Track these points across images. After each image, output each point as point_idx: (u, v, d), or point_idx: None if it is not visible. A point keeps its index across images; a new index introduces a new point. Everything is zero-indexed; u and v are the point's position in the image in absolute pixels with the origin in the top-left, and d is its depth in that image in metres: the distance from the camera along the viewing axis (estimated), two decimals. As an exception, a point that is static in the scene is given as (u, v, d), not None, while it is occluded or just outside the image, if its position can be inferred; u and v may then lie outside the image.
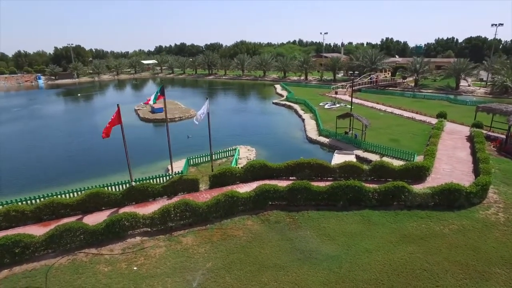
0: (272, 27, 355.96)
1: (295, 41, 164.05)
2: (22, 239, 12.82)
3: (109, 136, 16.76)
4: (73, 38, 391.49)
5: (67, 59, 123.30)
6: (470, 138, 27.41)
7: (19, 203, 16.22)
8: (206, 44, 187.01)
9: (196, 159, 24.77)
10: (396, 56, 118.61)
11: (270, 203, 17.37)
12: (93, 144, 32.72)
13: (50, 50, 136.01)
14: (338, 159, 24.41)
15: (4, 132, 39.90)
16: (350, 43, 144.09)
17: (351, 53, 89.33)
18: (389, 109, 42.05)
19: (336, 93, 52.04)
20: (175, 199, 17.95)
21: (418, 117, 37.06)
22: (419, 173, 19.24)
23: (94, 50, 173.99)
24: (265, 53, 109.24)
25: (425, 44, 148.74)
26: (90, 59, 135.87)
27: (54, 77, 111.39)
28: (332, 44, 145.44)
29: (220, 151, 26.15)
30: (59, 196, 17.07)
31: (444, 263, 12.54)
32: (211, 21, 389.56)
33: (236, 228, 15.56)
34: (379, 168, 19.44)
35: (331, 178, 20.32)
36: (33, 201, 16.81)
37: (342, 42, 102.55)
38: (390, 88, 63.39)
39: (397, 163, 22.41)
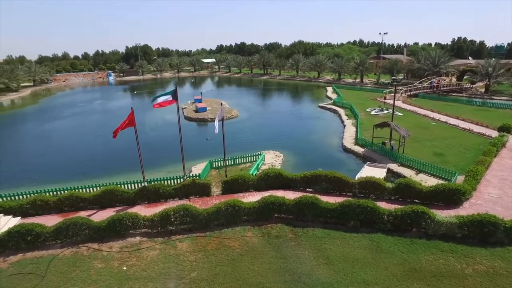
0: (331, 26, 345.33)
1: (355, 41, 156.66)
2: (34, 228, 14.14)
3: (115, 137, 17.43)
4: (143, 38, 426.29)
5: (135, 57, 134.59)
6: (536, 159, 23.15)
7: (45, 194, 17.96)
8: (265, 44, 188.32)
9: (219, 162, 24.90)
10: (470, 58, 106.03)
11: (277, 215, 16.66)
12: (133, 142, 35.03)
13: (123, 49, 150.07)
14: (366, 172, 22.50)
15: (60, 126, 44.82)
16: (416, 44, 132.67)
17: (414, 55, 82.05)
18: (444, 118, 37.56)
19: (385, 98, 48.28)
20: (184, 201, 18.26)
21: (477, 128, 32.42)
22: (452, 196, 16.71)
23: (160, 49, 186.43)
24: (321, 54, 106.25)
25: (508, 44, 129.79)
26: (155, 57, 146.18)
27: (122, 74, 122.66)
28: (395, 45, 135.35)
29: (245, 155, 25.92)
30: (80, 190, 18.51)
31: (454, 310, 10.66)
32: (271, 20, 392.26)
33: (233, 238, 15.21)
34: (404, 187, 17.36)
35: (350, 194, 18.81)
36: (57, 193, 18.47)
37: (405, 43, 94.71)
38: (454, 94, 56.66)
39: (434, 181, 19.93)
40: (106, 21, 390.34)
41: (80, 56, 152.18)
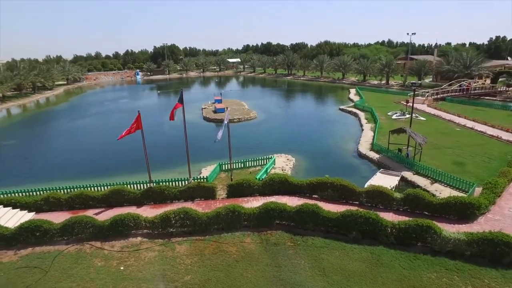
0: (359, 26, 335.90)
1: (383, 41, 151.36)
2: (43, 224, 14.88)
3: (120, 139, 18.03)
4: (173, 37, 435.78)
5: (162, 57, 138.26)
6: None
7: (58, 191, 18.84)
8: (291, 44, 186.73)
9: (229, 164, 24.92)
10: (508, 58, 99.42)
11: (278, 222, 16.46)
12: (154, 141, 35.97)
13: (152, 49, 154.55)
14: (378, 179, 21.72)
15: (82, 124, 46.88)
16: (448, 44, 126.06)
17: (445, 56, 78.11)
18: (470, 124, 35.42)
19: (407, 101, 46.34)
20: (188, 204, 18.52)
21: (507, 136, 30.27)
22: (465, 210, 15.71)
23: (188, 48, 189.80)
24: (346, 55, 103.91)
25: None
26: (181, 57, 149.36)
27: (149, 73, 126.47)
28: (425, 45, 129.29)
29: (255, 158, 25.80)
30: (91, 189, 19.28)
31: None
32: (298, 20, 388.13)
33: (232, 243, 15.20)
34: (413, 198, 16.55)
35: (356, 203, 18.21)
36: (69, 191, 19.32)
37: (435, 43, 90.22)
38: (487, 98, 53.31)
39: (451, 192, 18.88)
40: (137, 21, 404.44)
41: (112, 56, 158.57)
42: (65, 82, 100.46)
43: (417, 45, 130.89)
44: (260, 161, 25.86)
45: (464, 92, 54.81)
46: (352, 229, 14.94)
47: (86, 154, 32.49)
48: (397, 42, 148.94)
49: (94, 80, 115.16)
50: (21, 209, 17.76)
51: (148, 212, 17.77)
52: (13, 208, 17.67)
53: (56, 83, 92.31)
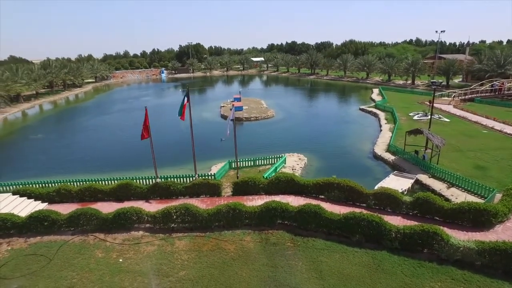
0: (385, 24, 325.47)
1: (411, 40, 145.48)
2: (50, 215, 15.48)
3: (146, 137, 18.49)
4: (199, 37, 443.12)
5: (187, 56, 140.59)
6: None
7: (69, 184, 19.54)
8: (316, 43, 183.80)
9: (240, 162, 24.84)
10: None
11: (280, 222, 16.17)
12: (171, 138, 36.75)
13: (177, 48, 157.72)
14: (390, 182, 20.88)
15: (103, 121, 48.46)
16: (483, 42, 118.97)
17: (477, 54, 73.91)
18: (499, 126, 33.19)
19: (430, 102, 44.20)
20: (193, 200, 18.62)
21: (538, 140, 28.20)
22: (480, 217, 14.68)
23: (213, 47, 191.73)
24: (370, 54, 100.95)
25: None
26: (205, 56, 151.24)
27: (174, 72, 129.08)
28: (457, 44, 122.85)
29: (266, 157, 25.55)
30: (101, 182, 19.87)
31: None
32: (323, 20, 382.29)
33: (231, 241, 15.10)
34: (423, 202, 15.69)
35: (364, 205, 17.55)
36: (81, 183, 19.98)
37: (468, 41, 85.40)
38: (523, 99, 49.84)
39: (468, 198, 17.82)
40: (166, 21, 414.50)
41: (139, 54, 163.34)
42: (94, 80, 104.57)
43: (447, 43, 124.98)
44: (270, 159, 25.58)
45: (496, 93, 51.58)
46: (355, 232, 14.40)
47: (102, 149, 33.66)
48: (426, 41, 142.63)
49: (121, 78, 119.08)
50: (35, 200, 18.60)
51: (153, 206, 18.04)
52: (28, 198, 18.54)
53: (85, 80, 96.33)
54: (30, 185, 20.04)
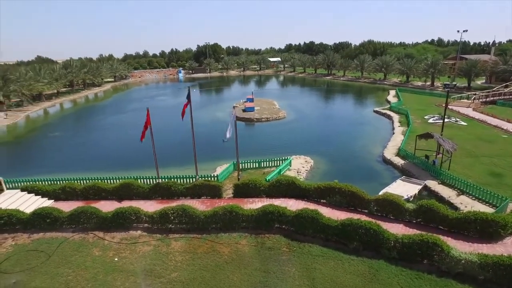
0: (405, 24, 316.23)
1: (433, 40, 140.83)
2: (52, 212, 15.91)
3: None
4: (217, 37, 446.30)
5: (205, 56, 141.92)
6: None
7: (75, 182, 20.03)
8: (334, 43, 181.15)
9: (245, 164, 24.75)
10: None
11: (278, 226, 15.94)
12: (180, 139, 37.04)
13: (195, 48, 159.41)
14: (396, 187, 20.21)
15: (117, 120, 49.29)
16: (510, 41, 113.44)
17: (503, 54, 70.54)
18: (521, 131, 31.61)
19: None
20: (194, 201, 18.65)
21: (562, 147, 26.54)
22: (487, 228, 13.91)
23: (231, 47, 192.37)
24: (389, 54, 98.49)
25: None
26: (222, 56, 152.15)
27: (191, 71, 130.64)
28: (482, 43, 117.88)
29: (271, 159, 25.31)
30: (105, 181, 20.26)
31: None
32: (342, 19, 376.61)
33: (226, 244, 15.00)
34: (426, 210, 15.03)
35: (366, 211, 17.04)
36: (85, 182, 20.42)
37: (493, 41, 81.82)
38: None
39: (479, 207, 17.01)
40: (185, 21, 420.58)
41: (158, 54, 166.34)
42: (113, 79, 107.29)
43: (471, 43, 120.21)
44: (276, 161, 25.31)
45: (522, 95, 49.09)
46: (352, 239, 13.99)
47: (114, 148, 34.38)
48: (448, 41, 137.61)
49: (139, 77, 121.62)
50: (42, 196, 19.17)
51: (154, 207, 18.18)
52: (35, 195, 19.12)
53: (105, 80, 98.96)
54: (39, 182, 20.67)
